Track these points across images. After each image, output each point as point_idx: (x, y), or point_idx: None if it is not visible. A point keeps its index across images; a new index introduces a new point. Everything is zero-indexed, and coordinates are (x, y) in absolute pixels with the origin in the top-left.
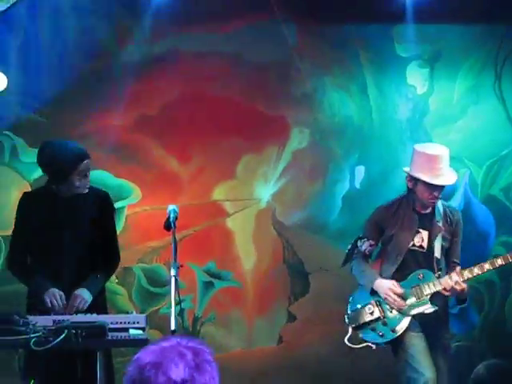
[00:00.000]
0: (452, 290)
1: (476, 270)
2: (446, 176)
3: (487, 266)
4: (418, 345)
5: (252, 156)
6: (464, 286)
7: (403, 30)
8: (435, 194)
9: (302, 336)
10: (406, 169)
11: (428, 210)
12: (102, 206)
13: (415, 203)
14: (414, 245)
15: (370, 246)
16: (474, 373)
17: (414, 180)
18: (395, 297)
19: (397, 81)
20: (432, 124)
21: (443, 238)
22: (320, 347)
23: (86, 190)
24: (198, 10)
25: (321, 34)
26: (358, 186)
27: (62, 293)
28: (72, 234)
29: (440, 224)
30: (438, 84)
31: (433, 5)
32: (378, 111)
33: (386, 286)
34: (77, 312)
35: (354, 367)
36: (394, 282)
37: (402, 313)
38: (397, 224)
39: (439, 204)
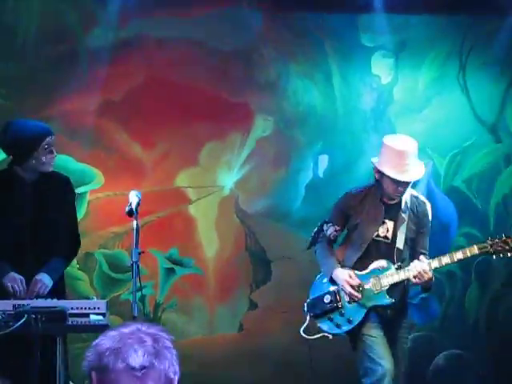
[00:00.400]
0: (420, 277)
1: (445, 260)
2: (411, 172)
3: (459, 256)
4: (375, 335)
5: (215, 143)
6: (431, 274)
7: (368, 20)
8: (400, 188)
9: (263, 323)
10: (374, 159)
11: (395, 201)
12: (63, 190)
13: (382, 194)
14: (378, 235)
15: (336, 231)
16: (433, 363)
17: (380, 173)
18: (350, 289)
19: (361, 70)
20: (396, 114)
21: (408, 229)
22: (281, 335)
23: (51, 168)
24: None
25: (285, 22)
26: (321, 174)
27: (21, 277)
28: (33, 217)
29: (405, 215)
30: (403, 74)
31: None
32: (342, 100)
33: (343, 276)
34: (37, 297)
35: (314, 356)
36: (351, 272)
37: (360, 304)
38: (363, 213)
39: (407, 195)
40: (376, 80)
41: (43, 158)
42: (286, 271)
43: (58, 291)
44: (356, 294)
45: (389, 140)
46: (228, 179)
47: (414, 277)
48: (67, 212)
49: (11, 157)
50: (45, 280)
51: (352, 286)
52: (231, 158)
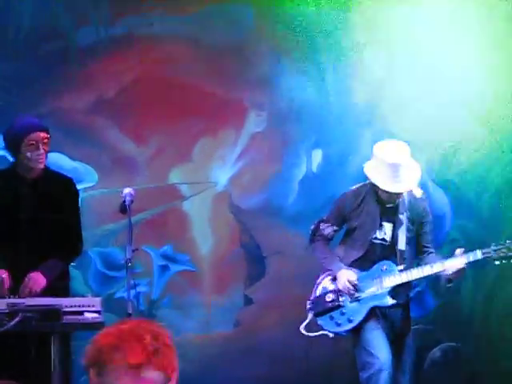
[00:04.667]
0: (458, 273)
1: (479, 254)
2: (403, 182)
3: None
4: (373, 329)
5: (209, 139)
6: (464, 266)
7: (360, 14)
8: (394, 195)
9: (259, 319)
10: (367, 167)
11: (393, 203)
12: (65, 190)
13: (379, 196)
14: (376, 237)
15: (333, 231)
16: (429, 356)
17: None
18: (349, 285)
19: (354, 65)
20: (389, 108)
21: (408, 230)
22: (276, 331)
23: (41, 165)
24: None
25: (277, 17)
26: (314, 169)
27: (4, 276)
28: (32, 217)
29: (404, 216)
30: (396, 68)
31: None
32: (335, 95)
33: (345, 276)
34: (30, 295)
35: (311, 351)
36: (351, 273)
37: (361, 303)
38: (361, 215)
39: (404, 194)
40: (368, 74)
41: (28, 154)
42: (281, 266)
43: (59, 291)
44: (352, 292)
45: (379, 150)
46: (222, 175)
47: (453, 273)
48: (69, 212)
49: None
50: (38, 278)
51: (352, 284)
52: (225, 154)
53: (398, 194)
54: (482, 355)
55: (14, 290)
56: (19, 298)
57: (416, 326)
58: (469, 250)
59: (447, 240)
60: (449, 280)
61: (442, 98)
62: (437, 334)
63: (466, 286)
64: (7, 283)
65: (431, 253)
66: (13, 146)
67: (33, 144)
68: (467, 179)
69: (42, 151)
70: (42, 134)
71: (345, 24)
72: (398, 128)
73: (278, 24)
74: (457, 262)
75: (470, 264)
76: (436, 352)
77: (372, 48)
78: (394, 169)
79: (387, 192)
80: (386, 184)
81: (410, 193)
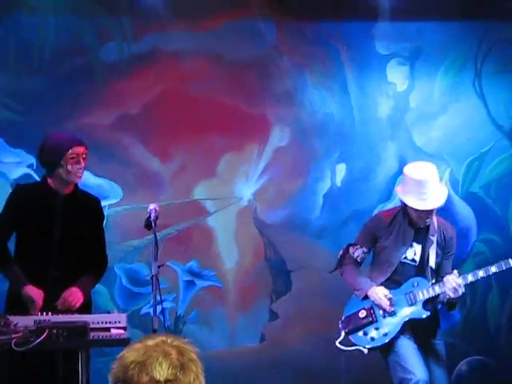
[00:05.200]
0: (455, 292)
1: (481, 273)
2: (431, 200)
3: (493, 269)
4: (407, 345)
5: (233, 154)
6: (464, 289)
7: (383, 28)
8: (422, 215)
9: (284, 334)
10: (398, 188)
11: (423, 225)
12: (93, 210)
13: (410, 218)
14: (406, 257)
15: (363, 253)
16: (455, 370)
17: None
18: (385, 300)
19: (377, 78)
20: (413, 121)
21: (436, 253)
22: (302, 345)
23: (79, 180)
24: (178, 9)
25: (300, 32)
26: (338, 183)
27: (40, 291)
28: (65, 231)
29: (433, 238)
30: (419, 81)
31: (412, 1)
32: (358, 109)
33: (379, 291)
34: (68, 309)
35: (338, 365)
36: (384, 288)
37: (395, 318)
38: (391, 236)
39: (434, 219)
40: (392, 88)
41: (69, 167)
42: (306, 281)
43: (86, 308)
44: (389, 306)
45: (408, 169)
46: (246, 190)
47: (449, 290)
48: (96, 232)
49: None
50: (77, 293)
51: (385, 300)
52: (249, 169)
53: (429, 214)
54: (508, 368)
55: (44, 307)
56: (55, 312)
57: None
58: (493, 262)
59: (472, 253)
60: (450, 305)
61: (466, 110)
62: (463, 348)
63: (492, 298)
64: (39, 304)
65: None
66: (53, 158)
67: (74, 158)
68: (492, 192)
69: (82, 165)
70: (83, 149)
71: (367, 37)
72: (423, 141)
73: (300, 38)
74: (452, 280)
75: (495, 275)
76: (462, 365)
77: (395, 60)
78: (421, 186)
79: (416, 210)
80: (413, 202)
81: (440, 220)
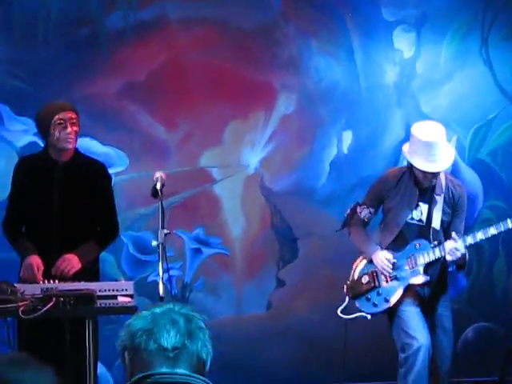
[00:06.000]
0: (451, 253)
1: (479, 235)
2: (439, 162)
3: (492, 231)
4: (410, 311)
5: (239, 122)
6: (464, 251)
7: None
8: (429, 176)
9: (291, 301)
10: (405, 148)
11: (428, 185)
12: (98, 175)
13: (416, 178)
14: (412, 218)
15: (370, 213)
16: (462, 336)
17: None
18: (385, 267)
19: (383, 45)
20: (419, 88)
21: (443, 212)
22: (309, 312)
23: (69, 145)
24: None
25: None
26: (345, 151)
27: (38, 261)
28: (65, 199)
29: (440, 197)
30: (425, 48)
31: None
32: (364, 75)
33: (381, 257)
34: (62, 277)
35: (345, 332)
36: (387, 252)
37: (396, 282)
38: (397, 196)
39: (442, 177)
40: (398, 54)
41: (57, 134)
42: (313, 248)
43: (90, 274)
44: (389, 270)
45: (416, 130)
46: (252, 158)
47: (447, 254)
48: (102, 197)
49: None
50: (72, 260)
51: (387, 265)
52: (255, 137)
53: (435, 175)
54: None
55: (46, 275)
56: (51, 279)
57: None
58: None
59: (479, 220)
60: (458, 266)
61: (472, 76)
62: (470, 314)
63: (499, 263)
64: (41, 269)
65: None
66: (42, 127)
67: (61, 123)
68: (499, 158)
69: (69, 130)
70: (70, 114)
71: (373, 3)
72: (429, 108)
73: (306, 5)
74: (450, 243)
75: (503, 242)
76: (469, 332)
77: (401, 27)
78: (429, 148)
79: (423, 172)
80: (421, 163)
81: (449, 178)
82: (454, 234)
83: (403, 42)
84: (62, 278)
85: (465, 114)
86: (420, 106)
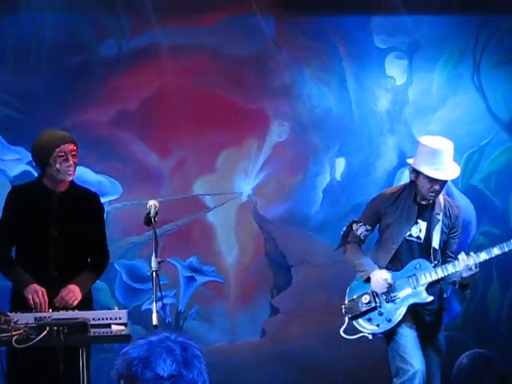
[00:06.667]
0: (468, 271)
1: (483, 255)
2: (447, 171)
3: (495, 251)
4: (408, 336)
5: (232, 150)
6: (477, 269)
7: (381, 21)
8: (436, 187)
9: (285, 329)
10: (410, 160)
11: (428, 202)
12: (92, 206)
13: (416, 194)
14: (411, 235)
15: (366, 231)
16: (457, 363)
17: (416, 172)
18: (385, 284)
19: (376, 72)
20: (412, 115)
21: (441, 231)
22: (303, 339)
23: (70, 177)
24: (175, 4)
25: (298, 26)
26: (338, 178)
27: (43, 289)
28: (60, 231)
29: (439, 217)
30: (417, 75)
31: None
32: (357, 103)
33: (379, 275)
34: (65, 307)
35: (339, 359)
36: (385, 272)
37: (399, 302)
38: (395, 213)
39: (440, 197)
40: (390, 82)
41: (58, 166)
42: (306, 276)
43: (86, 304)
44: (387, 289)
45: (424, 139)
46: (245, 185)
47: (463, 269)
48: (95, 228)
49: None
50: (75, 291)
51: (385, 283)
52: (248, 164)
53: (440, 187)
54: (510, 360)
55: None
56: (53, 309)
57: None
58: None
59: (473, 245)
60: (463, 286)
61: (464, 103)
62: (464, 341)
63: (493, 290)
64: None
65: (455, 261)
66: (41, 158)
67: (62, 156)
68: (492, 184)
69: (71, 163)
70: (71, 146)
71: (365, 31)
72: (422, 134)
73: (298, 33)
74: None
75: (497, 269)
76: (463, 358)
77: (393, 54)
78: (437, 155)
79: (429, 181)
80: (429, 171)
81: (446, 198)
82: (462, 253)
83: (395, 70)
84: (64, 308)
85: (457, 141)
86: (413, 132)
